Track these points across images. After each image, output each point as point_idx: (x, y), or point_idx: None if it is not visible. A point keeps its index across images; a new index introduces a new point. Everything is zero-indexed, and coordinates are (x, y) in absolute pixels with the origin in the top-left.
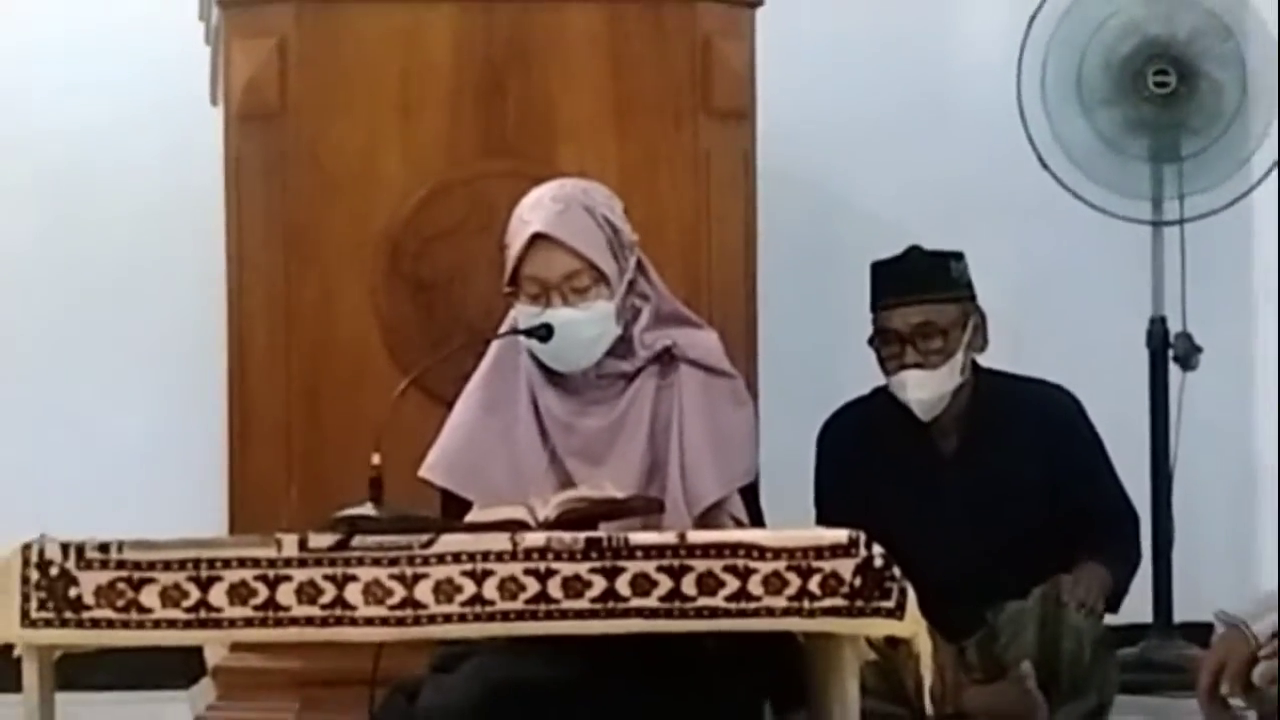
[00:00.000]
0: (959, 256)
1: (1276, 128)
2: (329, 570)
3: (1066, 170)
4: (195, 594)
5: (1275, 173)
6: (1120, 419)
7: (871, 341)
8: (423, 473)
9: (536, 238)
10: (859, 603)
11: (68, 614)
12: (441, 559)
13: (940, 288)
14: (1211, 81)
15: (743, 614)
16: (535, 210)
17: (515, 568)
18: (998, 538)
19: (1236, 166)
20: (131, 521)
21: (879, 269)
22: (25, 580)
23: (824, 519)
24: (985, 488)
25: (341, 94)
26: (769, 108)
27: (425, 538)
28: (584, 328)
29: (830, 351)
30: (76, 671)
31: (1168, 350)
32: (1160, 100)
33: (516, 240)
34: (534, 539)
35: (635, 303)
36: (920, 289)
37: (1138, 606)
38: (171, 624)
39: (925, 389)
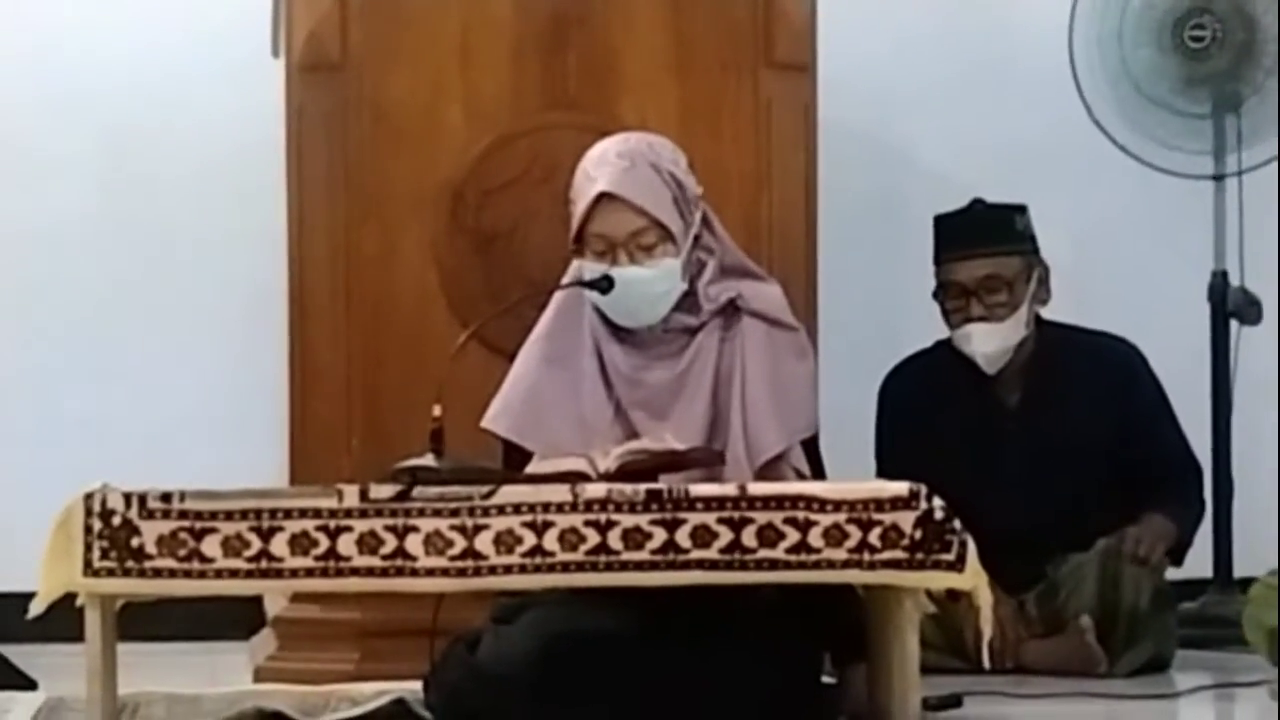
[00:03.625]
0: (1022, 209)
1: None
2: (390, 521)
3: (1124, 127)
4: (256, 544)
5: None
6: (1181, 372)
7: (935, 294)
8: (486, 424)
9: (602, 196)
10: (919, 555)
11: (130, 563)
12: (502, 510)
13: (1005, 240)
14: (1263, 29)
15: (802, 566)
16: (601, 167)
17: (575, 519)
18: (1060, 490)
19: None
20: (194, 473)
21: (943, 222)
22: (88, 530)
23: (885, 471)
24: (1048, 440)
25: (403, 45)
26: (829, 61)
27: (486, 489)
28: (651, 285)
29: (890, 305)
30: (138, 621)
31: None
32: (1206, 53)
33: (582, 198)
34: (594, 490)
35: (701, 256)
36: (985, 242)
37: (1198, 562)
38: (233, 574)
39: (990, 342)
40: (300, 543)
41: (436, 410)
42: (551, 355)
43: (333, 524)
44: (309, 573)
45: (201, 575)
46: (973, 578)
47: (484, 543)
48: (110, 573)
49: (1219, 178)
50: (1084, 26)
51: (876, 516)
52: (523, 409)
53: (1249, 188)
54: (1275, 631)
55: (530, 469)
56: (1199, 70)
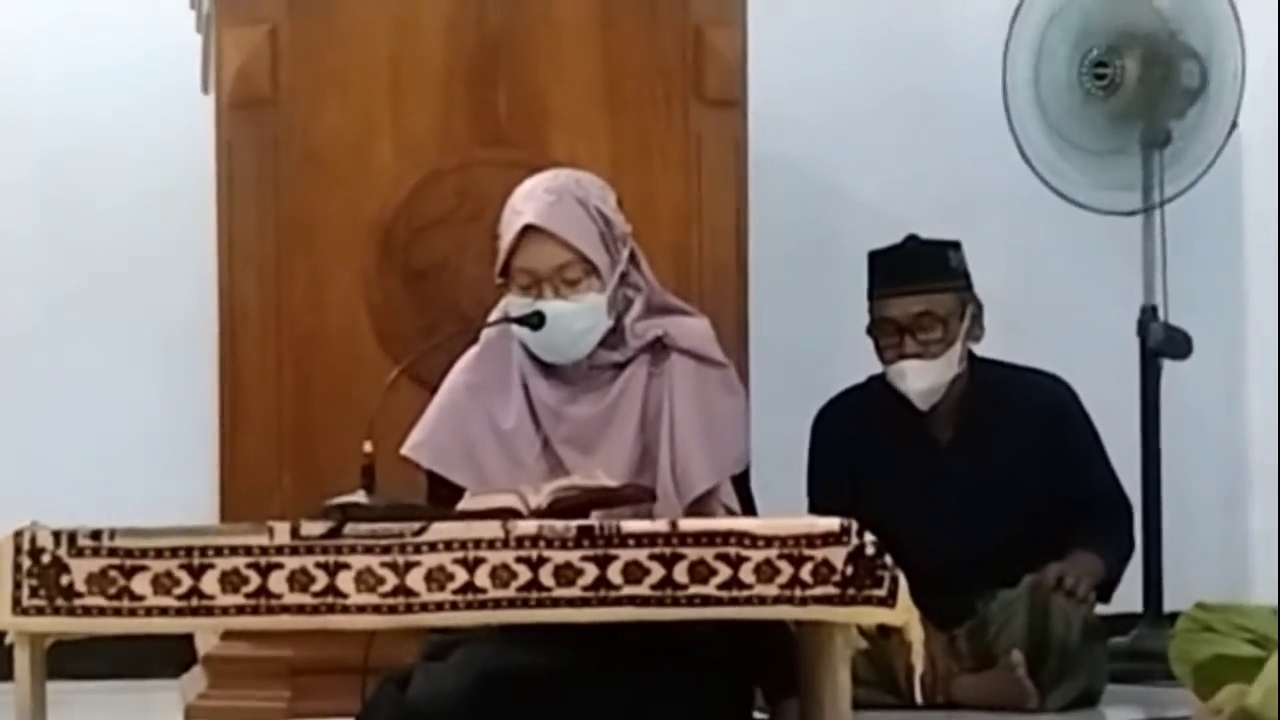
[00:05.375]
0: (956, 246)
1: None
2: (321, 558)
3: (1053, 166)
4: (187, 582)
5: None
6: (1111, 408)
7: (869, 330)
8: (407, 451)
9: (528, 229)
10: (850, 591)
11: (59, 601)
12: (433, 547)
13: (939, 277)
14: (1187, 63)
15: (734, 602)
16: (528, 201)
17: (507, 555)
18: (991, 527)
19: (1209, 147)
20: (123, 509)
21: (877, 258)
22: (17, 568)
23: (817, 507)
24: (980, 477)
25: (333, 82)
26: (760, 96)
27: (417, 525)
28: (575, 319)
29: (821, 340)
30: (68, 660)
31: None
32: (1112, 92)
33: (508, 231)
34: (526, 527)
35: (627, 293)
36: (920, 279)
37: (1128, 596)
38: (163, 611)
39: (924, 379)
40: (231, 580)
41: (367, 446)
42: (475, 387)
43: (264, 561)
44: (240, 610)
45: (132, 613)
46: (904, 613)
47: (415, 580)
48: (40, 611)
49: (1145, 211)
50: (1015, 70)
51: (808, 552)
52: (450, 441)
53: (1172, 219)
54: (1200, 665)
55: (461, 505)
56: (1111, 109)
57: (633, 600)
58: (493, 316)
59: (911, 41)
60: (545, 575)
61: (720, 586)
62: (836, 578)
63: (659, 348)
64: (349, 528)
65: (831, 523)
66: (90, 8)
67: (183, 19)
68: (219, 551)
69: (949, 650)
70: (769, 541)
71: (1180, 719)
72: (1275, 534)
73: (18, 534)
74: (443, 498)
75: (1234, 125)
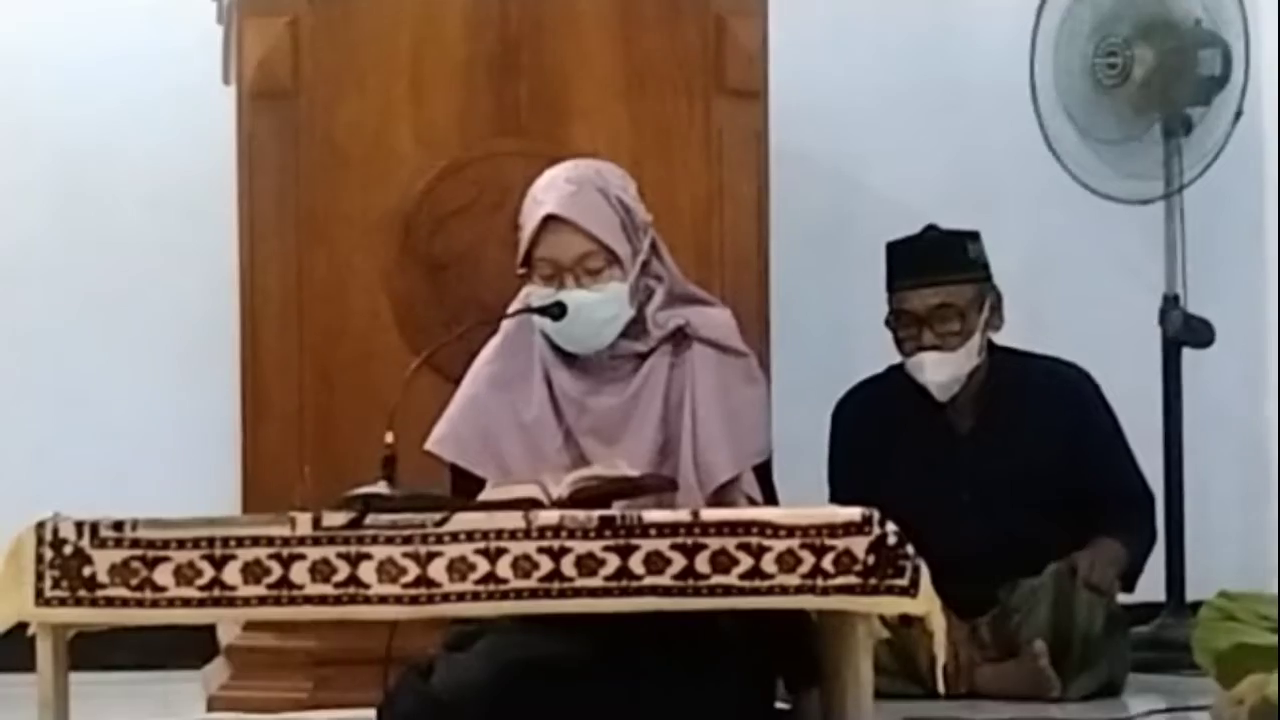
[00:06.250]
0: (975, 236)
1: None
2: (343, 548)
3: (1074, 151)
4: (209, 572)
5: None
6: (1133, 397)
7: (888, 322)
8: (431, 446)
9: (549, 219)
10: (872, 580)
11: (82, 592)
12: (455, 537)
13: (958, 269)
14: (1208, 51)
15: (756, 592)
16: (548, 191)
17: (529, 546)
18: (1012, 516)
19: (1224, 135)
20: (145, 500)
21: (895, 249)
22: (40, 559)
23: (837, 497)
24: (1000, 467)
25: (354, 72)
26: (781, 86)
27: (439, 516)
28: (597, 309)
29: (842, 330)
30: (90, 651)
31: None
32: (1123, 81)
33: (529, 221)
34: (548, 517)
35: (649, 283)
36: (938, 270)
37: (1151, 586)
38: (185, 602)
39: (943, 371)
40: (253, 571)
41: (389, 437)
42: (498, 380)
43: (285, 552)
44: (262, 601)
45: (154, 604)
46: (926, 603)
47: (437, 570)
48: (62, 602)
49: (1165, 199)
50: (1040, 60)
51: (830, 542)
52: (472, 434)
53: (1193, 208)
54: (1223, 655)
55: (483, 496)
56: (1126, 97)
57: (654, 590)
58: (514, 307)
59: (931, 32)
60: (567, 565)
61: (742, 576)
62: (858, 567)
63: (681, 338)
64: (370, 518)
65: (853, 512)
66: (97, 5)
67: (195, 14)
68: (241, 542)
69: (971, 640)
70: (791, 531)
71: (1202, 708)
72: None
73: (40, 525)
74: (466, 491)
75: (1239, 114)
